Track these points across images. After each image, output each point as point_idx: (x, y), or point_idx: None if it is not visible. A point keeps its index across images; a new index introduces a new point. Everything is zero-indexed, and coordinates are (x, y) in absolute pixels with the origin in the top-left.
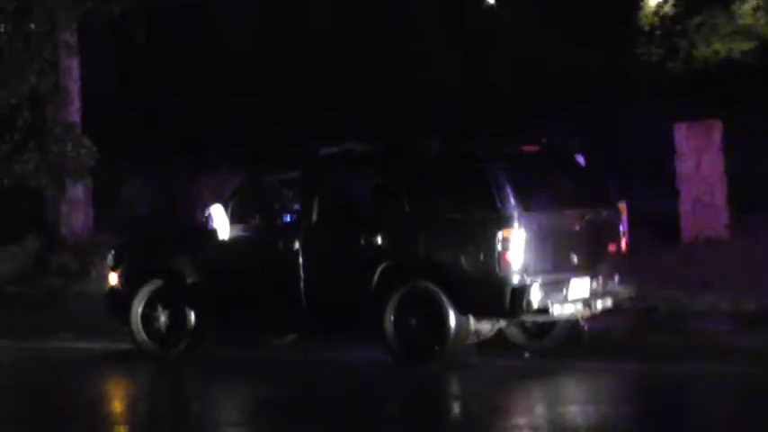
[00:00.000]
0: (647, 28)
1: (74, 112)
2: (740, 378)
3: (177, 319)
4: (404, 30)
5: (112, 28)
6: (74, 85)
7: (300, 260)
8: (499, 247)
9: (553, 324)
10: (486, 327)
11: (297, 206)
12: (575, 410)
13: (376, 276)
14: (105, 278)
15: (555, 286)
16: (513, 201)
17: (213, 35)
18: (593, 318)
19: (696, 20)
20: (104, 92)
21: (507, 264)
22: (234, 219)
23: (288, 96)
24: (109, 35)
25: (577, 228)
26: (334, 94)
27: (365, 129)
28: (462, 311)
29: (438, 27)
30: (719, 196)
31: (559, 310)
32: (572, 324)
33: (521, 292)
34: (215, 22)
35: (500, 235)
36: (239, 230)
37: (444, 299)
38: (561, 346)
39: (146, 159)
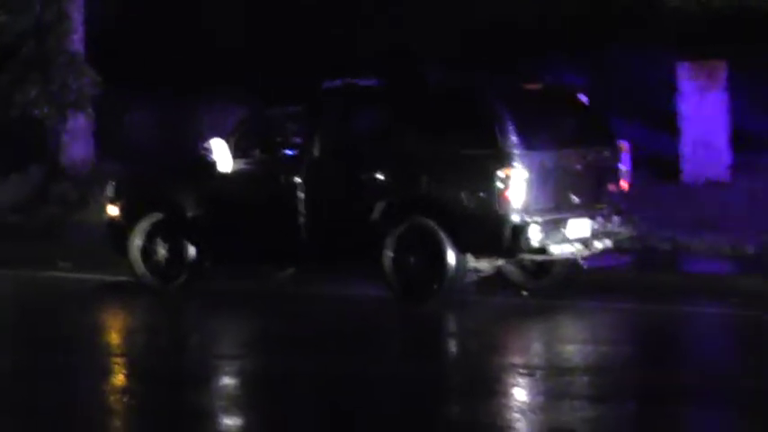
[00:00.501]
0: None
1: (77, 42)
2: (738, 319)
3: (177, 252)
4: None
5: None
6: (77, 13)
7: (301, 194)
8: (499, 185)
9: (552, 263)
10: (484, 265)
11: (299, 140)
12: (572, 349)
13: (376, 212)
14: (105, 209)
15: (554, 225)
16: (514, 139)
17: None
18: (593, 258)
19: None
20: (109, 22)
21: (507, 202)
22: (236, 152)
23: (290, 30)
24: None
25: (579, 167)
26: (336, 27)
27: (368, 64)
28: (461, 249)
29: None
30: (721, 137)
31: (558, 250)
32: (571, 263)
33: (520, 230)
34: None
35: (501, 173)
36: (241, 164)
37: (443, 236)
38: (560, 285)
39: (149, 91)
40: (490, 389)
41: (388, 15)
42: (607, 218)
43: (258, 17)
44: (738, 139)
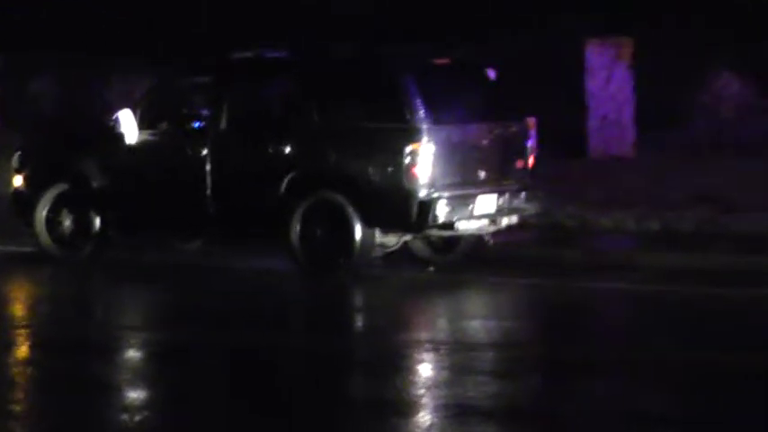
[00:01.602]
0: None
1: None
2: (642, 294)
3: (82, 223)
4: None
5: None
6: None
7: (208, 167)
8: (407, 159)
9: (459, 239)
10: (391, 240)
11: (206, 112)
12: (477, 325)
13: (283, 186)
14: (9, 180)
15: (461, 201)
16: (422, 113)
17: None
18: (499, 234)
19: None
20: None
21: (414, 177)
22: (142, 123)
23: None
24: None
25: (485, 142)
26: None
27: (281, 35)
28: (368, 224)
29: None
30: (627, 114)
31: (465, 226)
32: (477, 239)
33: (427, 206)
34: None
35: (408, 148)
36: (147, 135)
37: (350, 211)
38: (466, 260)
39: (56, 58)
40: (395, 364)
41: None
42: (513, 194)
43: None
44: (643, 116)
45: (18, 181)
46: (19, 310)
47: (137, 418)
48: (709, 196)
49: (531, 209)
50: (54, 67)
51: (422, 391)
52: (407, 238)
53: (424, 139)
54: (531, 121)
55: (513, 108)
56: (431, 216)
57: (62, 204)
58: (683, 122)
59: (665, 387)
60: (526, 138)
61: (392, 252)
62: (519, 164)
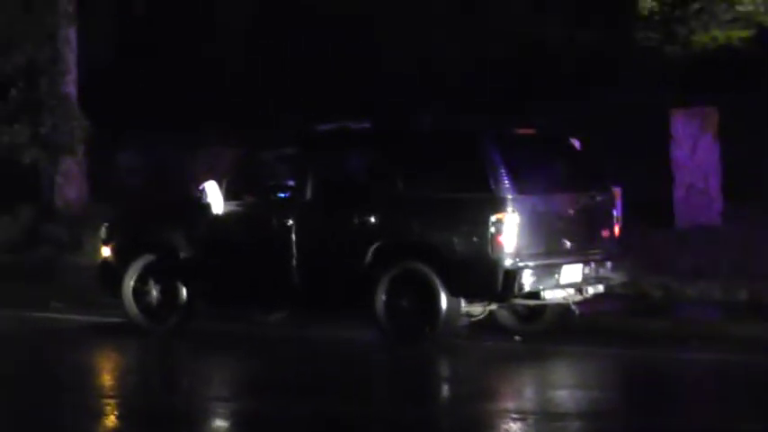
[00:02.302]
0: (645, 12)
1: (70, 83)
2: (730, 366)
3: (169, 293)
4: (397, 5)
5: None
6: (71, 54)
7: (293, 237)
8: (492, 229)
9: (544, 308)
10: (477, 309)
11: (291, 183)
12: (564, 395)
13: (368, 256)
14: (98, 251)
15: (547, 270)
16: (507, 183)
17: (212, 9)
18: (585, 303)
19: (695, 6)
20: (102, 63)
21: (500, 246)
22: (228, 194)
23: (284, 74)
24: (108, 5)
25: (571, 212)
26: (328, 71)
27: (359, 108)
28: (454, 293)
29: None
30: (713, 183)
31: (551, 295)
32: (563, 308)
33: (513, 275)
34: None
35: (493, 217)
36: (233, 206)
37: (436, 280)
38: (552, 330)
39: (142, 132)
40: None
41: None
42: (599, 263)
43: (252, 58)
44: (730, 186)
45: (106, 252)
46: (107, 380)
47: None
48: None
49: (617, 278)
50: (141, 140)
51: None
52: (493, 307)
53: (509, 208)
54: (617, 190)
55: (599, 177)
56: (516, 285)
57: (149, 275)
58: None
59: None
60: (612, 207)
61: (478, 321)
62: (605, 233)
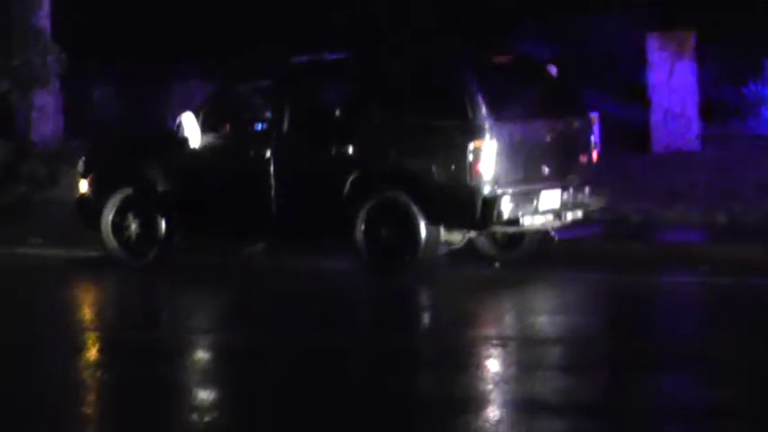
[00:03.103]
0: None
1: (43, 17)
2: (710, 288)
3: (148, 227)
4: None
5: None
6: None
7: (271, 169)
8: (470, 157)
9: (523, 235)
10: (456, 237)
11: (268, 115)
12: (544, 320)
13: (347, 186)
14: (75, 186)
15: (525, 197)
16: (484, 110)
17: None
18: (564, 229)
19: None
20: None
21: (478, 174)
22: (205, 127)
23: (260, 4)
24: None
25: (548, 138)
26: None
27: (335, 37)
28: (433, 222)
29: None
30: (691, 107)
31: (530, 221)
32: (542, 235)
33: (491, 202)
34: None
35: (471, 145)
36: (210, 139)
37: (415, 209)
38: (531, 256)
39: (116, 66)
40: (463, 361)
41: None
42: (578, 189)
43: None
44: (707, 109)
45: (83, 186)
46: (87, 314)
47: (206, 418)
48: None
49: (595, 203)
50: (115, 74)
51: (490, 387)
52: (472, 235)
53: (487, 136)
54: (594, 116)
55: (575, 103)
56: (495, 212)
57: (127, 209)
58: (748, 113)
59: (737, 382)
60: (589, 132)
61: (457, 249)
62: (582, 159)
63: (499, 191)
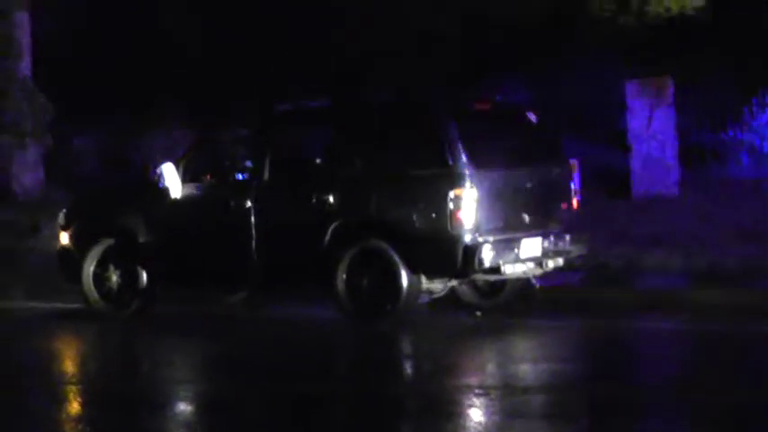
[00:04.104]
0: None
1: (25, 68)
2: (690, 334)
3: (129, 278)
4: None
5: None
6: (25, 38)
7: (252, 218)
8: (451, 205)
9: (505, 283)
10: (437, 285)
11: (249, 164)
12: (526, 368)
13: (328, 235)
14: (56, 237)
15: (506, 245)
16: (464, 158)
17: None
18: (545, 276)
19: None
20: (55, 47)
21: (459, 222)
22: (186, 177)
23: (239, 55)
24: None
25: (529, 186)
26: (282, 53)
27: (314, 87)
28: (414, 270)
29: None
30: (670, 153)
31: (511, 269)
32: (523, 282)
33: (472, 251)
34: None
35: (452, 193)
36: (191, 189)
37: (396, 257)
38: (513, 304)
39: (98, 117)
40: (446, 409)
41: (334, 36)
42: (558, 236)
43: (208, 39)
44: (687, 154)
45: (64, 238)
46: (69, 366)
47: None
48: (755, 233)
49: (576, 250)
50: (96, 124)
51: None
52: (454, 283)
53: (468, 183)
54: (574, 162)
55: (556, 150)
56: (476, 261)
57: (109, 260)
58: (727, 159)
59: (717, 427)
60: (569, 179)
61: (439, 298)
62: (563, 206)
63: (480, 239)
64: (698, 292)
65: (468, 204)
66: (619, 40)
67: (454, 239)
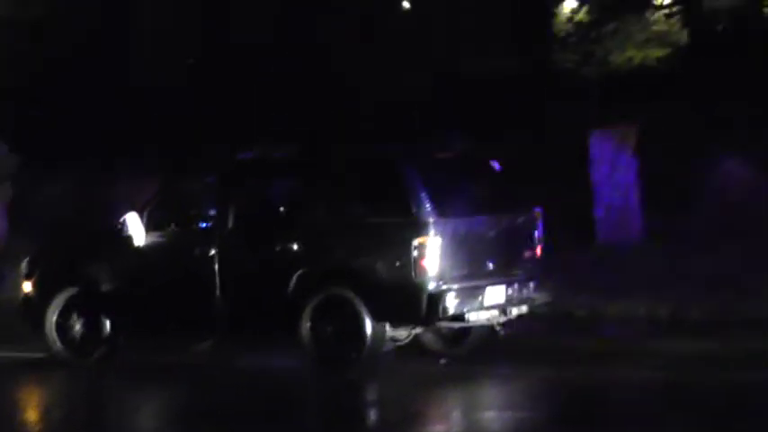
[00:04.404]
0: (561, 34)
1: None
2: (655, 384)
3: (92, 326)
4: (317, 35)
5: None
6: None
7: (216, 266)
8: (415, 253)
9: (469, 330)
10: (402, 333)
11: (213, 212)
12: (491, 416)
13: (292, 283)
14: (19, 286)
15: (471, 293)
16: (428, 206)
17: (132, 33)
18: (509, 324)
19: (610, 27)
20: (15, 92)
21: (423, 270)
22: (150, 225)
23: (206, 101)
24: (22, 35)
25: (493, 234)
26: (249, 98)
27: (281, 133)
28: (378, 318)
29: (351, 30)
30: (633, 201)
31: (475, 317)
32: (488, 330)
33: (436, 298)
34: (135, 20)
35: (416, 241)
36: (155, 237)
37: (360, 306)
38: (477, 352)
39: (61, 165)
40: None
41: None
42: (522, 284)
43: (173, 86)
44: (651, 203)
45: (27, 287)
46: (32, 415)
47: None
48: (719, 281)
49: (540, 298)
50: (60, 172)
51: None
52: (418, 330)
53: (431, 232)
54: (538, 211)
55: (520, 199)
56: (440, 308)
57: (71, 309)
58: (691, 207)
59: None
60: (533, 228)
61: (403, 345)
62: (527, 254)
63: (444, 287)
64: (662, 341)
65: (432, 252)
66: (581, 90)
67: (418, 287)
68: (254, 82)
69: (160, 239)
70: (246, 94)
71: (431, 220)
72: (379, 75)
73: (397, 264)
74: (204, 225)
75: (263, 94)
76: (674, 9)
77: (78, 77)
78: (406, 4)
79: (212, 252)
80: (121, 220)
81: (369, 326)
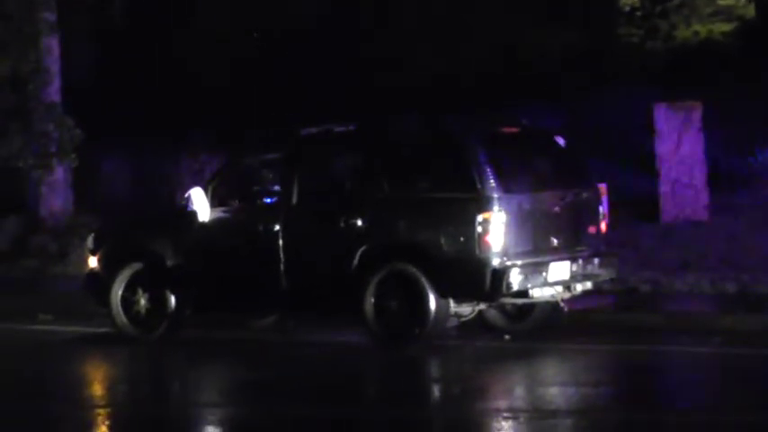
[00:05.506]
0: (626, 8)
1: (54, 93)
2: (720, 359)
3: (157, 301)
4: (374, 13)
5: (92, 10)
6: (54, 64)
7: (281, 242)
8: (479, 229)
9: (533, 306)
10: (466, 309)
11: (277, 188)
12: (555, 392)
13: (356, 258)
14: (84, 261)
15: (535, 269)
16: (493, 182)
17: (193, 17)
18: (573, 300)
19: (676, 1)
20: (84, 73)
21: (487, 246)
22: (214, 201)
23: (266, 81)
24: (89, 16)
25: (557, 209)
26: (311, 76)
27: (343, 111)
28: (442, 294)
29: (409, 10)
30: (699, 177)
31: (539, 293)
32: (552, 306)
33: (500, 274)
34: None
35: (480, 217)
36: (219, 212)
37: (424, 281)
38: (541, 328)
39: (125, 141)
40: None
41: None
42: (587, 260)
43: (236, 63)
44: (715, 179)
45: (93, 262)
46: (97, 390)
47: None
48: None
49: (604, 274)
50: (125, 148)
51: None
52: (482, 307)
53: (496, 207)
54: (603, 186)
55: (584, 174)
56: (504, 284)
57: (137, 284)
58: (755, 183)
59: None
60: (598, 203)
61: (467, 321)
62: (591, 230)
63: (508, 263)
64: (728, 316)
65: (496, 228)
66: (647, 66)
67: (482, 263)
68: (312, 58)
69: (224, 215)
70: (306, 71)
71: (495, 195)
72: (437, 48)
73: (462, 239)
74: (269, 200)
75: (322, 70)
76: None
77: (140, 57)
78: None
79: (276, 227)
80: (186, 195)
81: (432, 302)
